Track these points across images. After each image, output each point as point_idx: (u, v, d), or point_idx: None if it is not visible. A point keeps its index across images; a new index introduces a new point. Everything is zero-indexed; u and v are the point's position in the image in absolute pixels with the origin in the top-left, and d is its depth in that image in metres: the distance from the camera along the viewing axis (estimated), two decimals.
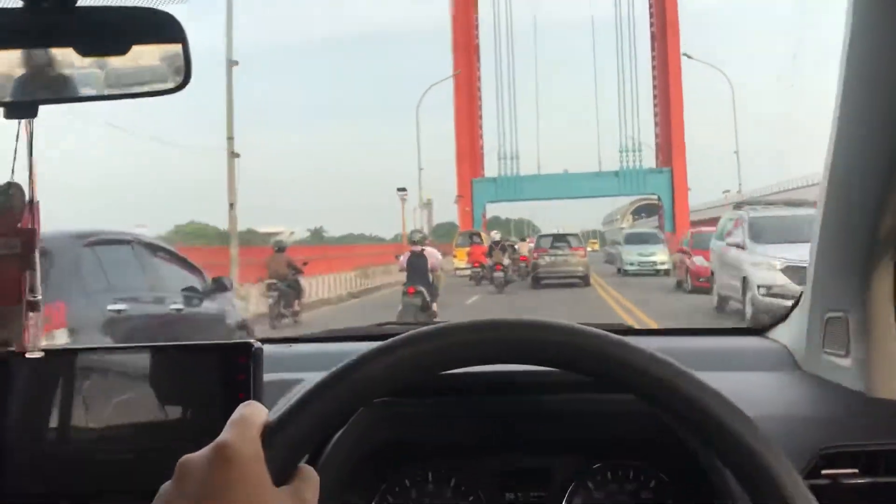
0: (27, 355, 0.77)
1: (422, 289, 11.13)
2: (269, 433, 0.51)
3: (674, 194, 51.76)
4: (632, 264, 23.17)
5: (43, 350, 0.78)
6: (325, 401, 0.55)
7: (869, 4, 0.84)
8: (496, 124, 57.58)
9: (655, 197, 55.49)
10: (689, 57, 36.11)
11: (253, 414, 0.52)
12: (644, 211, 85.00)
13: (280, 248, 13.80)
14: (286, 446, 0.52)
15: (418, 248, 11.80)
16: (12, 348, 0.75)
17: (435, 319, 10.80)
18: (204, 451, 0.49)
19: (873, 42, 0.84)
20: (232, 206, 17.58)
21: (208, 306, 6.65)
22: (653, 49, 55.85)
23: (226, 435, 0.49)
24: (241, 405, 0.52)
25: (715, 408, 0.55)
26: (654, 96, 56.51)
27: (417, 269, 11.39)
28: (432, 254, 12.26)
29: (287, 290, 12.89)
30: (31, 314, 0.74)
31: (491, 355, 0.57)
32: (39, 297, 0.76)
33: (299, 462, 0.53)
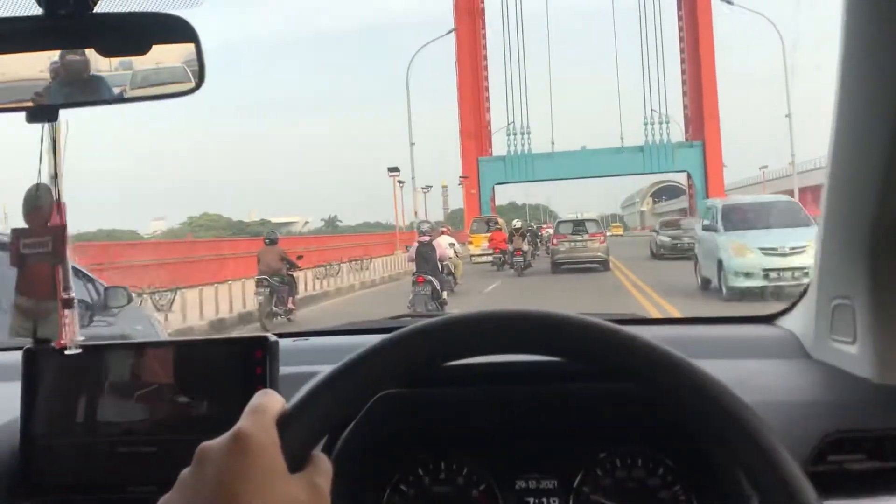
0: (66, 352, 0.88)
1: (431, 278, 11.68)
2: (284, 421, 0.57)
3: (706, 171, 49.39)
4: (749, 273, 11.80)
5: (81, 346, 0.89)
6: (338, 390, 0.61)
7: None
8: (504, 97, 56.14)
9: (685, 174, 53.83)
10: (729, 3, 31.30)
11: (269, 402, 0.57)
12: (665, 193, 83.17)
13: (271, 241, 13.24)
14: (301, 434, 0.57)
15: (426, 238, 12.41)
16: (52, 344, 0.86)
17: (445, 308, 11.32)
18: (222, 438, 0.54)
19: (872, 24, 0.89)
20: (56, 177, 10.03)
21: (101, 329, 5.31)
22: (679, 7, 54.69)
23: (242, 422, 0.55)
24: (258, 393, 0.58)
25: (712, 394, 0.61)
26: (682, 60, 54.67)
27: (426, 258, 11.99)
28: (440, 243, 12.84)
29: (279, 285, 12.56)
30: (66, 311, 0.85)
31: (495, 346, 0.65)
32: (73, 295, 0.86)
33: (313, 450, 0.58)
